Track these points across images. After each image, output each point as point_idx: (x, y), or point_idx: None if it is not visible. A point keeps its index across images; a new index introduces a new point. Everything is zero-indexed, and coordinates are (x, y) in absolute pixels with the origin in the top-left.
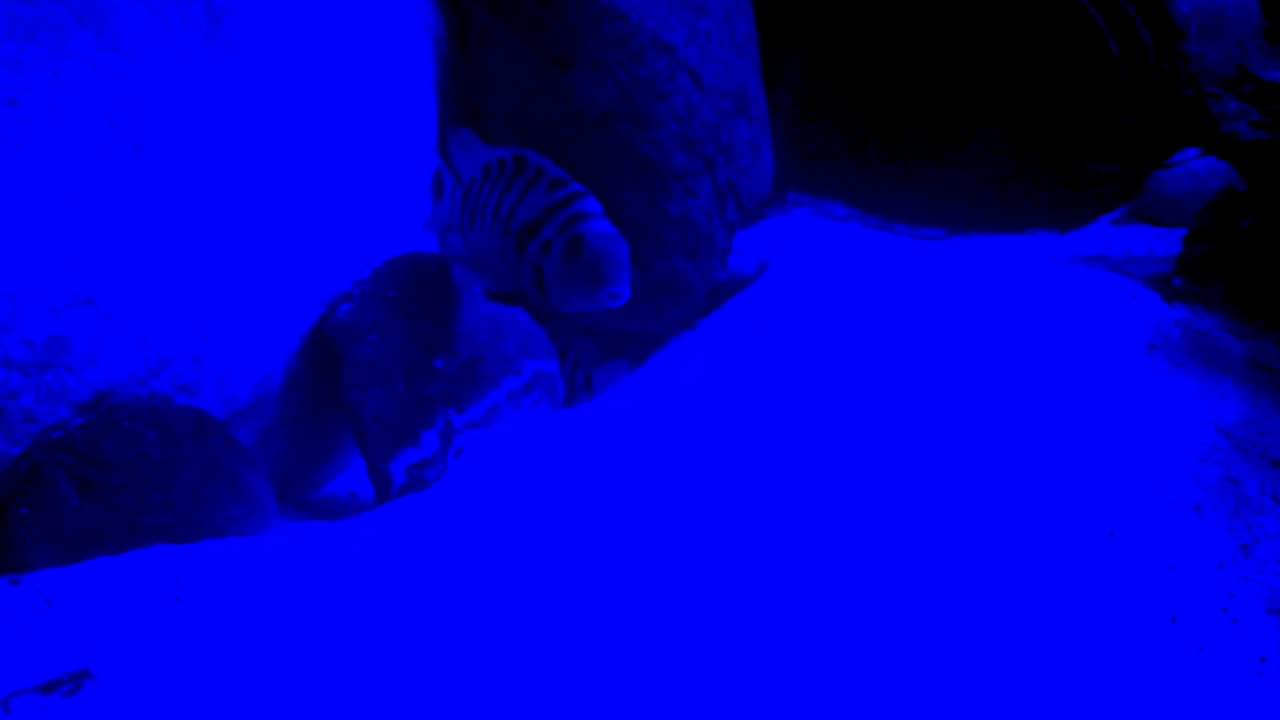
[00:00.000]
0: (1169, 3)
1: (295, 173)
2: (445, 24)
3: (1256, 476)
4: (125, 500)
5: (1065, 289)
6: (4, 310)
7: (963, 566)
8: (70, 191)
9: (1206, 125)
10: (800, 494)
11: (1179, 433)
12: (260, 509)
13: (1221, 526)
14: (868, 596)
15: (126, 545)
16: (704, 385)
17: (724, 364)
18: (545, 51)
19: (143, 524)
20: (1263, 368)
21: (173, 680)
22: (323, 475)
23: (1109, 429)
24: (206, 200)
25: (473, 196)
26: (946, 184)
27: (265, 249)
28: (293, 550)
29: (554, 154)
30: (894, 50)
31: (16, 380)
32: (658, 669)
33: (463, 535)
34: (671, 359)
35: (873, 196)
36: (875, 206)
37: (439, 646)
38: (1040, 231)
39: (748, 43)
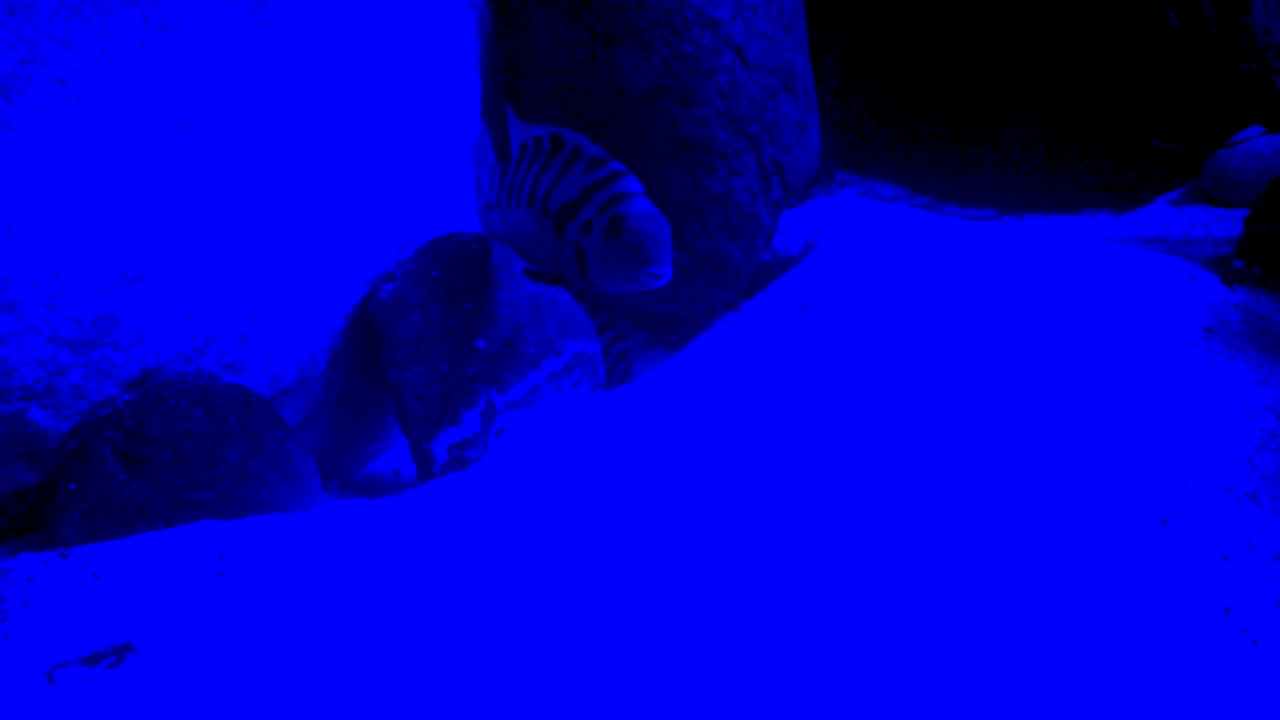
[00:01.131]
0: None
1: (340, 152)
2: (489, 2)
3: None
4: (171, 476)
5: (1120, 271)
6: (52, 288)
7: (1013, 554)
8: (117, 170)
9: (1271, 101)
10: (845, 481)
11: (1236, 419)
12: (304, 486)
13: (1279, 516)
14: (920, 581)
15: (172, 521)
16: (746, 370)
17: (767, 348)
18: (588, 27)
19: (188, 500)
20: None
21: (213, 654)
22: (367, 453)
23: (1163, 415)
24: (252, 180)
25: (510, 175)
26: (999, 163)
27: (310, 229)
28: (335, 527)
29: (596, 131)
30: (944, 26)
31: (65, 357)
32: (691, 655)
33: (503, 517)
34: (715, 341)
35: (922, 176)
36: (924, 187)
37: (475, 625)
38: (1096, 212)
39: (795, 19)
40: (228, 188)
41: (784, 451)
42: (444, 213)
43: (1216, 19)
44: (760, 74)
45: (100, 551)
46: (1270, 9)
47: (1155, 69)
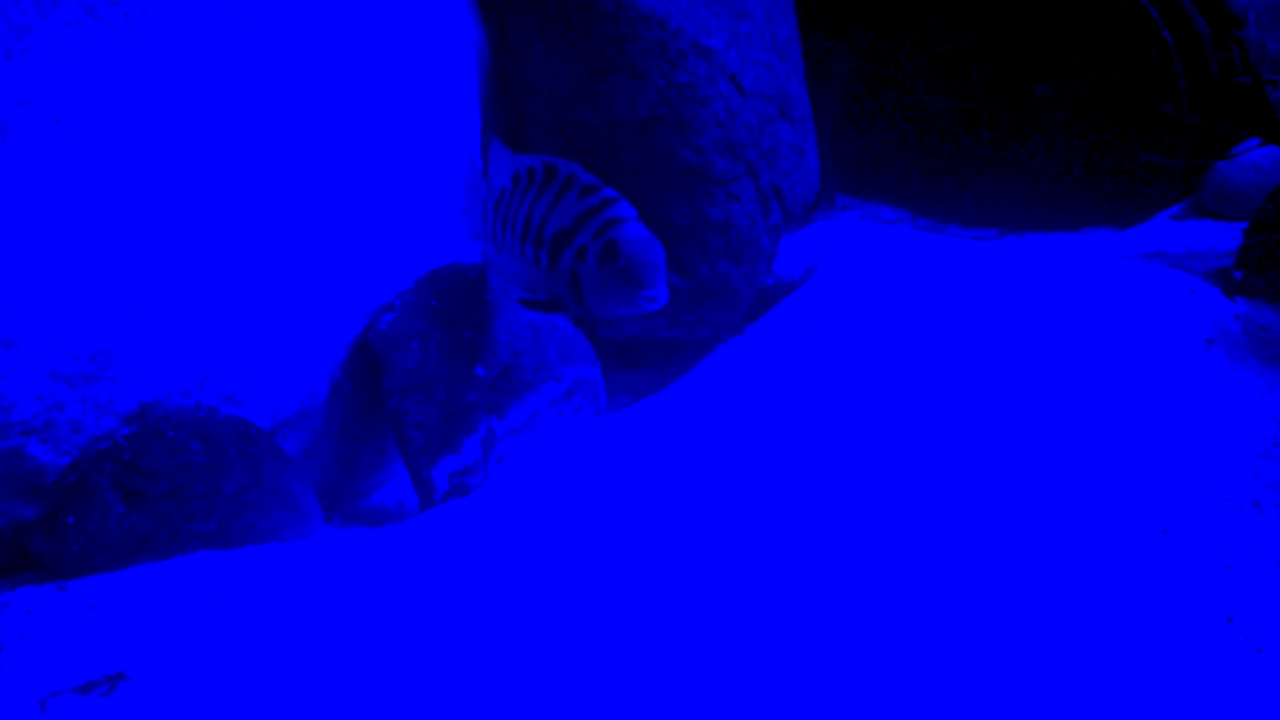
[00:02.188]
0: None
1: (341, 185)
2: (486, 35)
3: None
4: (169, 508)
5: (1122, 286)
6: (51, 323)
7: (1016, 564)
8: (115, 204)
9: (1266, 113)
10: (849, 498)
11: (1238, 428)
12: (303, 516)
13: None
14: (924, 590)
15: (171, 552)
16: (750, 395)
17: (769, 373)
18: (584, 59)
19: (186, 531)
20: None
21: (205, 683)
22: (370, 485)
23: (1165, 425)
24: (253, 213)
25: (503, 206)
26: (999, 183)
27: (309, 261)
28: (333, 557)
29: (595, 161)
30: (943, 50)
31: (63, 392)
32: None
33: (502, 546)
34: (717, 366)
35: (923, 198)
36: (926, 209)
37: (473, 656)
38: (1098, 229)
39: (790, 46)
40: (226, 221)
41: (790, 477)
42: (443, 244)
43: (1210, 35)
44: (756, 101)
45: (98, 584)
46: (1263, 23)
47: (1154, 86)
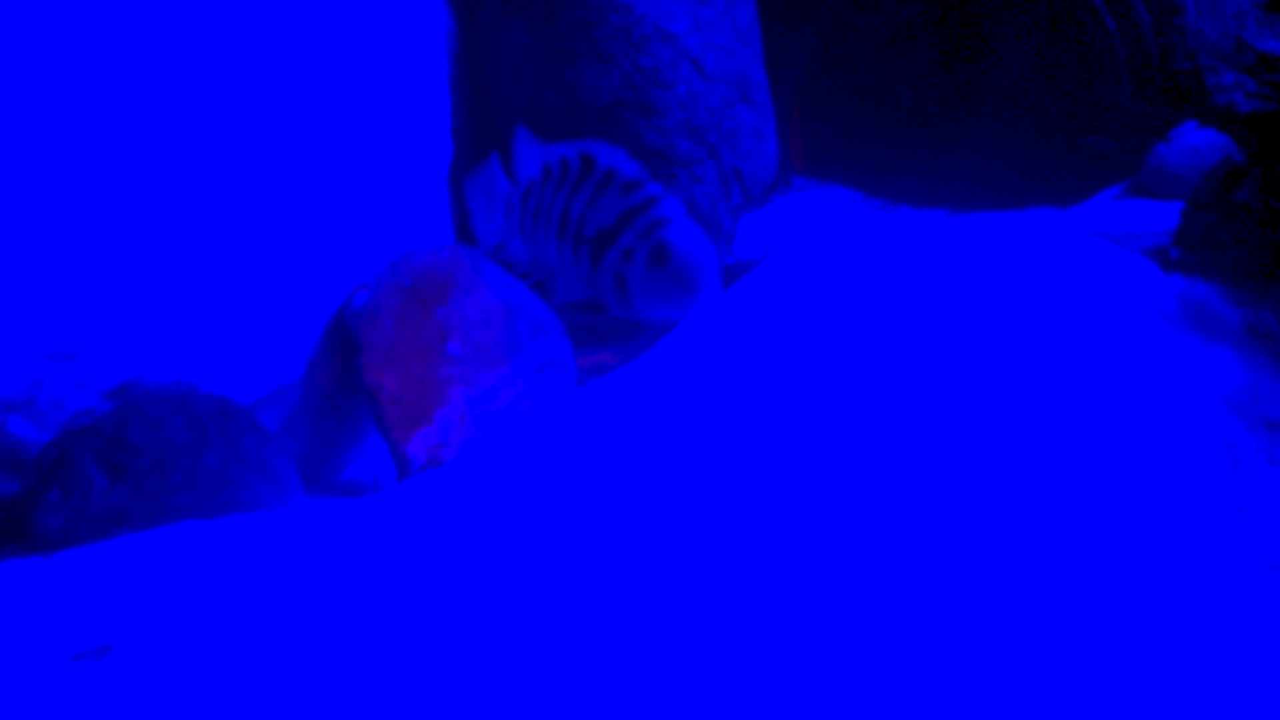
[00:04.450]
0: None
1: (314, 168)
2: (455, 19)
3: (1252, 439)
4: (152, 482)
5: (1061, 261)
6: (30, 300)
7: (945, 551)
8: (97, 180)
9: (1203, 98)
10: (824, 481)
11: (1173, 398)
12: (284, 489)
13: (1216, 488)
14: (826, 597)
15: (154, 524)
16: (712, 365)
17: (730, 345)
18: (551, 45)
19: (169, 504)
20: (1259, 336)
21: (191, 652)
22: (347, 458)
23: (1100, 397)
24: (232, 191)
25: (533, 199)
26: (949, 165)
27: (286, 243)
28: (312, 524)
29: None
30: (892, 36)
31: (45, 369)
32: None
33: (477, 510)
34: (680, 340)
35: (876, 180)
36: (880, 189)
37: (448, 625)
38: (1041, 208)
39: (750, 30)
40: (209, 200)
41: (751, 440)
42: (417, 226)
43: (1151, 21)
44: (718, 84)
45: (82, 555)
46: (1202, 10)
47: (1095, 71)
